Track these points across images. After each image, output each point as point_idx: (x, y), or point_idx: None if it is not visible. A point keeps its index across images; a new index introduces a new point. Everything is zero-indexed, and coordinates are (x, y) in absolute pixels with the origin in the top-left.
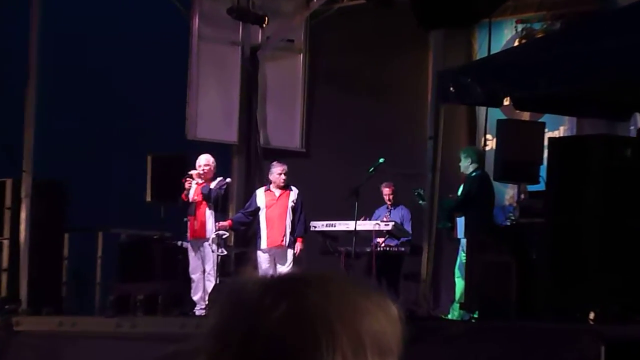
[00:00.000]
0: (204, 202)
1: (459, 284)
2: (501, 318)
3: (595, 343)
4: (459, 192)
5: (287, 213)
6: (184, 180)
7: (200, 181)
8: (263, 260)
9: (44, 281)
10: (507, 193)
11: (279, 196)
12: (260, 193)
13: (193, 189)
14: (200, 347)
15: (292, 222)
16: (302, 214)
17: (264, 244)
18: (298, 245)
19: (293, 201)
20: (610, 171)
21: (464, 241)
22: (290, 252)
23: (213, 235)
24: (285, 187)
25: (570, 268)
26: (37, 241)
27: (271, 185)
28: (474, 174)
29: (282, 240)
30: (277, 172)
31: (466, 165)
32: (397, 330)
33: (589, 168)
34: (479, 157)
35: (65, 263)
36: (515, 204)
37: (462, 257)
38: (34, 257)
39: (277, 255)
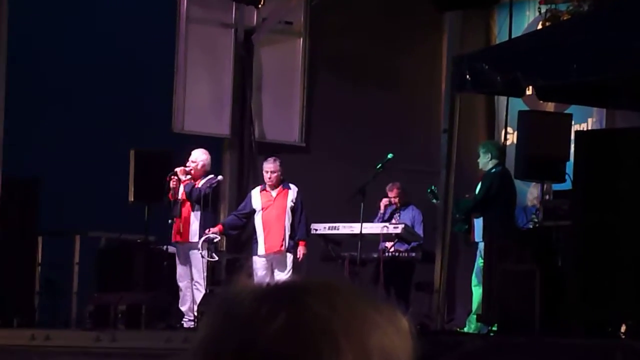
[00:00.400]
0: (188, 202)
1: (477, 293)
2: (523, 332)
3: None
4: (477, 191)
5: (285, 215)
6: (168, 179)
7: (185, 178)
8: (259, 266)
9: (15, 290)
10: (531, 193)
11: (276, 196)
12: (255, 194)
13: (181, 188)
14: None
15: (292, 224)
16: (302, 214)
17: (261, 249)
18: (301, 250)
19: (292, 201)
20: None
21: (482, 245)
22: (290, 258)
23: (203, 240)
24: (283, 186)
25: (601, 275)
26: (7, 246)
27: (267, 185)
28: (493, 170)
29: (281, 245)
30: (264, 170)
31: (485, 162)
32: (408, 346)
33: (622, 164)
34: (500, 152)
35: (39, 270)
36: (538, 205)
37: (479, 263)
38: (3, 263)
39: (275, 261)
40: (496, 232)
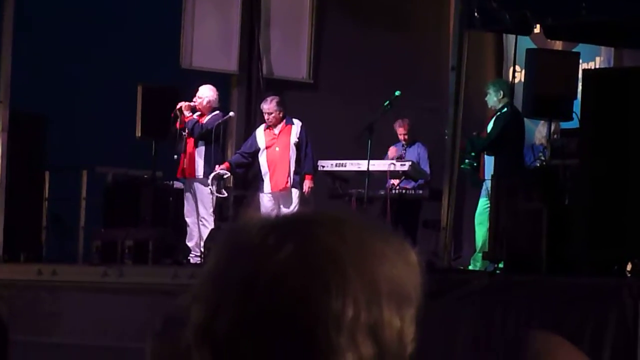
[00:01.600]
0: (192, 139)
1: (480, 231)
2: (530, 270)
3: (633, 297)
4: (489, 130)
5: (289, 151)
6: (172, 114)
7: (188, 114)
8: (266, 203)
9: (22, 225)
10: (539, 131)
11: (279, 133)
12: (260, 132)
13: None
14: (197, 296)
15: (297, 159)
16: (308, 148)
17: (267, 187)
18: (307, 183)
19: (296, 136)
20: None
21: (487, 184)
22: (296, 193)
23: (212, 176)
24: (286, 122)
25: (607, 214)
26: (14, 180)
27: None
28: (505, 109)
29: (287, 182)
30: (262, 110)
31: (496, 100)
32: (417, 278)
33: (631, 104)
34: (510, 90)
35: (46, 205)
36: (545, 143)
37: (483, 202)
38: (10, 198)
39: (282, 198)
40: (505, 170)
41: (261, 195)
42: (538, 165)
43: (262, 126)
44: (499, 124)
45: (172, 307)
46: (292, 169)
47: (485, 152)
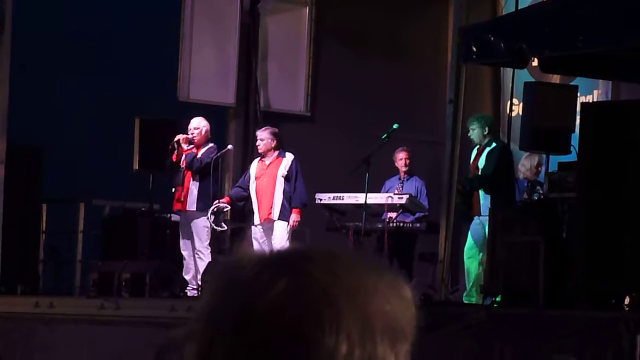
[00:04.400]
0: (189, 172)
1: (472, 265)
2: (527, 304)
3: (630, 332)
4: (480, 165)
5: (276, 183)
6: (170, 147)
7: (187, 147)
8: (257, 235)
9: (19, 257)
10: (522, 165)
11: (269, 165)
12: (253, 164)
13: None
14: (191, 330)
15: (287, 192)
16: (298, 182)
17: (256, 219)
18: (293, 217)
19: (285, 169)
20: None
21: (483, 219)
22: (282, 226)
23: (212, 208)
24: (278, 155)
25: (605, 248)
26: (11, 213)
27: (261, 154)
28: (494, 144)
29: (269, 213)
30: (256, 137)
31: (482, 135)
32: (411, 313)
33: (629, 137)
34: (495, 125)
35: (43, 237)
36: (531, 177)
37: (471, 237)
38: (8, 230)
39: (270, 230)
40: (501, 205)
41: (253, 227)
42: (535, 198)
43: (257, 158)
44: (492, 160)
45: (166, 339)
46: (279, 201)
47: (481, 189)
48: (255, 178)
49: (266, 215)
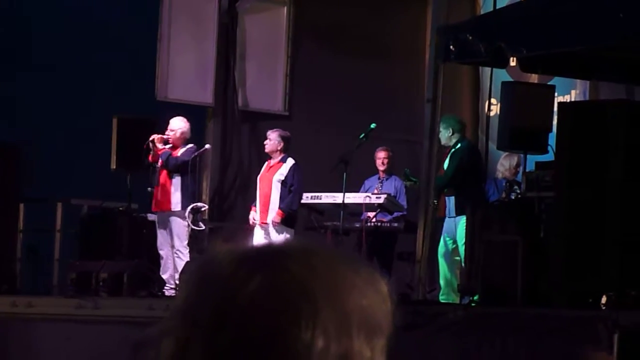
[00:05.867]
0: (165, 171)
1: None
2: (505, 303)
3: (608, 330)
4: (446, 167)
5: (272, 187)
6: (145, 147)
7: (161, 147)
8: (257, 233)
9: None
10: (501, 164)
11: (270, 168)
12: (265, 164)
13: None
14: (167, 328)
15: (283, 197)
16: (293, 188)
17: (257, 218)
18: (274, 215)
19: (282, 174)
20: (632, 141)
21: (448, 221)
22: (282, 231)
23: (190, 208)
24: (281, 159)
25: (583, 247)
26: None
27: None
28: (459, 145)
29: (265, 217)
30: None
31: (448, 137)
32: (388, 308)
33: (607, 137)
34: (461, 125)
35: (20, 237)
36: (510, 177)
37: (446, 239)
38: None
39: (267, 232)
40: (466, 207)
41: (255, 228)
42: (513, 197)
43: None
44: (454, 160)
45: (142, 337)
46: (275, 205)
47: (445, 191)
48: (259, 179)
49: (264, 218)
